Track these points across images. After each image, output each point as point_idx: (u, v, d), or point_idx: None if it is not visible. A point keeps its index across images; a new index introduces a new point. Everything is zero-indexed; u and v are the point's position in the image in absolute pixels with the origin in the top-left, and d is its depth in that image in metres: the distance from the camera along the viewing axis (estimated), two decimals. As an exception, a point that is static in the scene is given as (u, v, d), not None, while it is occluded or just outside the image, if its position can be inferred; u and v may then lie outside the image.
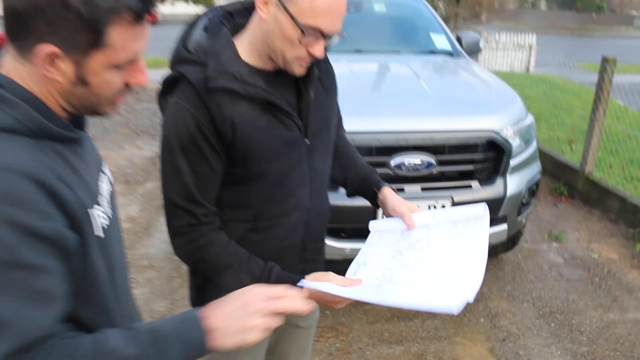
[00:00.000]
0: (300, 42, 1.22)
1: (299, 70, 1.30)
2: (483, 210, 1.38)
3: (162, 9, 30.38)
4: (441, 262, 1.27)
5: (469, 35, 4.81)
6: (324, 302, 1.27)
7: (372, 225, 1.49)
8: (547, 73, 10.88)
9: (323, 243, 1.60)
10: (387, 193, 1.55)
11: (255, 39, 1.28)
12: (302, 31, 1.19)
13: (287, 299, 1.02)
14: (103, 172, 1.10)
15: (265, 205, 1.37)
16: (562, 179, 5.55)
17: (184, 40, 1.32)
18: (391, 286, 1.20)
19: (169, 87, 1.29)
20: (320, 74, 1.43)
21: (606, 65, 4.97)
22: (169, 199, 1.30)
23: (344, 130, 1.72)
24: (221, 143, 1.26)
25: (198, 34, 1.31)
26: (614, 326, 3.34)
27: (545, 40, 17.95)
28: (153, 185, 5.33)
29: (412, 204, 1.48)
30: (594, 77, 5.18)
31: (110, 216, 1.05)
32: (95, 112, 0.99)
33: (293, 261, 1.48)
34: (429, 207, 3.00)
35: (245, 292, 1.01)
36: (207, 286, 1.45)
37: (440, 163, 3.05)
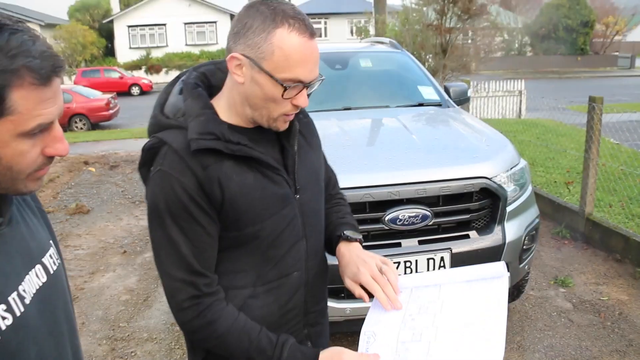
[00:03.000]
0: (283, 97, 1.20)
1: (283, 125, 1.28)
2: (502, 268, 1.28)
3: (157, 78, 31.09)
4: (457, 329, 1.19)
5: (456, 85, 4.88)
6: None
7: None
8: (538, 117, 11.00)
9: (326, 304, 1.54)
10: (350, 247, 1.42)
11: (234, 101, 1.27)
12: (283, 86, 1.18)
13: None
14: (39, 264, 1.01)
15: (263, 267, 1.31)
16: (563, 222, 5.49)
17: (160, 107, 1.31)
18: None
19: (149, 156, 1.26)
20: (300, 127, 1.40)
21: (594, 105, 5.02)
22: (167, 273, 1.24)
23: (337, 187, 1.66)
24: (212, 206, 1.22)
25: (174, 98, 1.30)
26: (630, 372, 3.22)
27: (533, 86, 18.25)
28: (151, 255, 5.27)
29: (372, 277, 1.32)
30: (585, 118, 5.21)
31: (21, 312, 0.93)
32: (16, 190, 0.92)
33: (297, 325, 1.41)
34: (428, 261, 2.94)
35: None
36: None
37: (436, 215, 3.01)
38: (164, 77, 33.63)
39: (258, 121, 1.27)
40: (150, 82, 29.77)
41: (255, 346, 1.24)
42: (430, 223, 3.00)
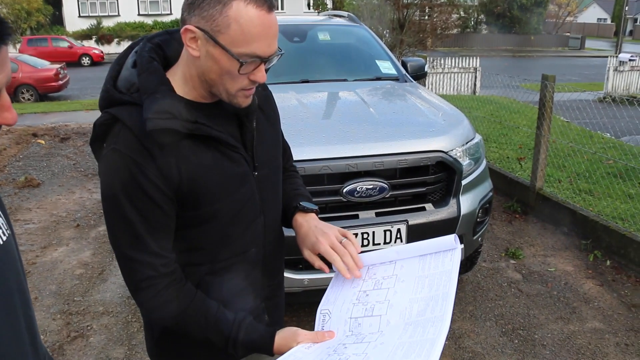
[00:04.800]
0: (239, 72, 1.15)
1: (244, 101, 1.23)
2: (453, 241, 1.27)
3: (108, 48, 30.14)
4: (407, 302, 1.21)
5: (414, 60, 4.91)
6: None
7: None
8: (492, 94, 11.20)
9: (282, 277, 1.53)
10: (307, 218, 1.43)
11: (190, 74, 1.21)
12: (240, 61, 1.14)
13: None
14: None
15: (221, 245, 1.29)
16: (514, 197, 5.66)
17: (113, 80, 1.24)
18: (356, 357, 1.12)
19: (102, 131, 1.20)
20: (259, 102, 1.37)
21: (547, 83, 5.15)
22: (123, 253, 1.21)
23: (291, 160, 1.65)
24: (169, 186, 1.18)
25: (127, 72, 1.23)
26: (574, 337, 3.38)
27: (488, 63, 18.56)
28: (106, 228, 5.17)
29: (328, 244, 1.33)
30: (537, 96, 5.35)
31: None
32: None
33: (255, 300, 1.40)
34: (385, 232, 2.99)
35: None
36: (166, 337, 1.37)
37: (393, 187, 3.06)
38: (115, 48, 32.61)
39: (217, 94, 1.22)
40: (102, 52, 28.83)
41: (212, 325, 1.24)
42: (387, 195, 3.05)
